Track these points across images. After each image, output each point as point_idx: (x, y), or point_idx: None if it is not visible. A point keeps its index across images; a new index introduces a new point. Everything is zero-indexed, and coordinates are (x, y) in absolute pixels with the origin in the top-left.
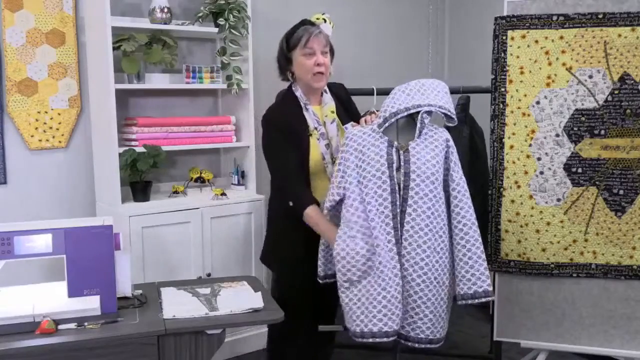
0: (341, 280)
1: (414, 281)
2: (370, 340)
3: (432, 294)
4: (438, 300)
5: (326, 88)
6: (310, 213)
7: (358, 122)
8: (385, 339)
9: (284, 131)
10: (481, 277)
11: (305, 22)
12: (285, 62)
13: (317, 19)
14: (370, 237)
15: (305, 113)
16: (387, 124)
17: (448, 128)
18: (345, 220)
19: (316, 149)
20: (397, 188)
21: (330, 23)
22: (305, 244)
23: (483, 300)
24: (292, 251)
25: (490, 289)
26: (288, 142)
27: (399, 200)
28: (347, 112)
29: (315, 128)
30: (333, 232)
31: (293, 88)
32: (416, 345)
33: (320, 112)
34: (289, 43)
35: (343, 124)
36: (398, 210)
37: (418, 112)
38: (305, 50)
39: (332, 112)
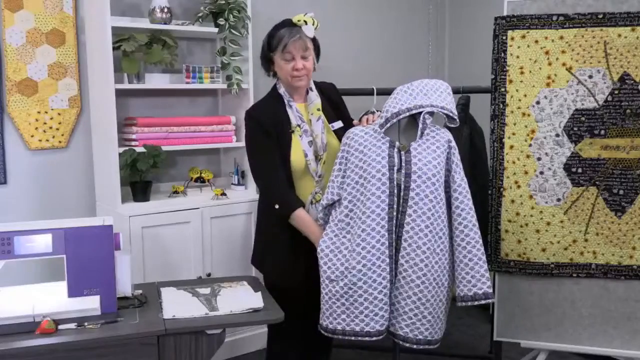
0: (323, 276)
1: (413, 282)
2: (353, 338)
3: (430, 295)
4: (437, 301)
5: (312, 86)
6: (299, 214)
7: (351, 124)
8: (367, 338)
9: (265, 127)
10: (481, 279)
11: (286, 23)
12: (266, 62)
13: (299, 20)
14: (357, 237)
15: (288, 110)
16: (388, 125)
17: (448, 128)
18: (334, 218)
19: (298, 146)
20: (395, 190)
21: (313, 23)
22: (292, 245)
23: (483, 302)
24: (279, 253)
25: (490, 290)
26: (270, 139)
27: (397, 202)
28: (336, 112)
29: (298, 125)
30: (320, 234)
31: (277, 85)
32: (414, 346)
33: (304, 110)
34: (270, 44)
35: (330, 123)
36: (395, 213)
37: (420, 113)
38: (284, 55)
39: (318, 109)
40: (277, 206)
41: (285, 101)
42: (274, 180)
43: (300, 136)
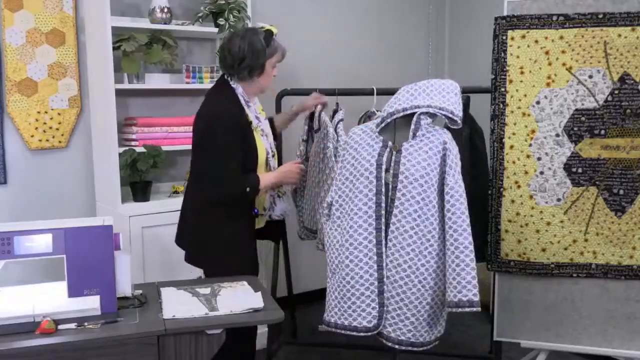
0: (328, 270)
1: (397, 282)
2: (343, 332)
3: (414, 297)
4: (422, 304)
5: None
6: (261, 179)
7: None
8: (354, 333)
9: (234, 127)
10: (467, 286)
11: (273, 34)
12: (260, 68)
13: (276, 32)
14: (346, 232)
15: (247, 110)
16: (383, 124)
17: (449, 128)
18: (333, 214)
19: (262, 143)
20: (383, 189)
21: None
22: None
23: (467, 310)
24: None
25: (476, 299)
26: (238, 139)
27: (385, 201)
28: None
29: (257, 125)
30: (279, 172)
31: (233, 86)
32: (396, 346)
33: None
34: (267, 51)
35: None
36: (383, 212)
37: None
38: (276, 64)
39: (262, 109)
40: (248, 189)
41: (244, 101)
42: (237, 172)
43: (262, 135)
